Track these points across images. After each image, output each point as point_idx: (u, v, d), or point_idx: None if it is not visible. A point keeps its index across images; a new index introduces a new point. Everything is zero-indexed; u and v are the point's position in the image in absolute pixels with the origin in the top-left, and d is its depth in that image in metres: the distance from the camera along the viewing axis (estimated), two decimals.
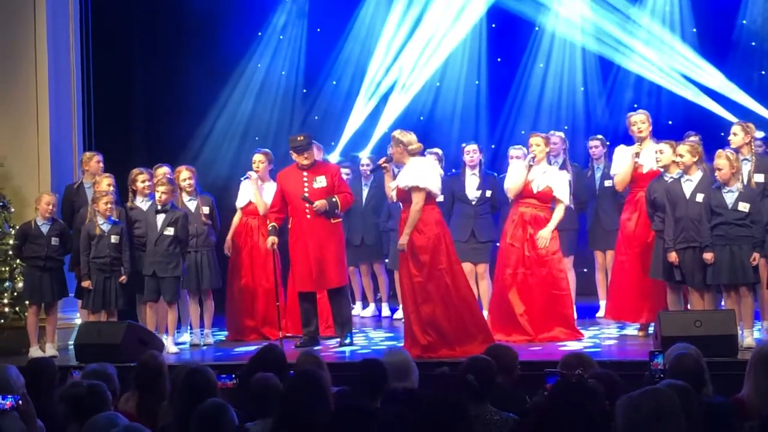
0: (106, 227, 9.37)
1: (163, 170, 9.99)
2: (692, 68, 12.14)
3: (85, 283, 9.36)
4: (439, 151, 10.40)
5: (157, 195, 9.46)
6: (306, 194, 9.26)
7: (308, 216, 9.30)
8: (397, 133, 8.69)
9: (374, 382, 5.41)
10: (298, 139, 9.42)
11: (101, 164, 9.95)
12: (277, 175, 9.65)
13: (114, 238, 9.36)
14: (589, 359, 5.73)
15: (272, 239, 9.44)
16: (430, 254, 8.40)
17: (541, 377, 5.51)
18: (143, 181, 9.76)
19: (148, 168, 10.02)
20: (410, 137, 8.62)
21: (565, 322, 9.11)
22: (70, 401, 4.94)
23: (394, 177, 8.79)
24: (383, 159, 8.85)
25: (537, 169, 9.18)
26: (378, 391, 5.37)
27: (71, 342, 9.34)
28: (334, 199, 9.29)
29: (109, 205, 9.33)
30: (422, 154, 8.88)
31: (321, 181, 9.33)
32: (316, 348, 9.03)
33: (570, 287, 9.42)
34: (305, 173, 9.36)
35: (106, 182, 9.63)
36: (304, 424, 4.42)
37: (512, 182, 9.24)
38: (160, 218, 9.46)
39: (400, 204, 8.75)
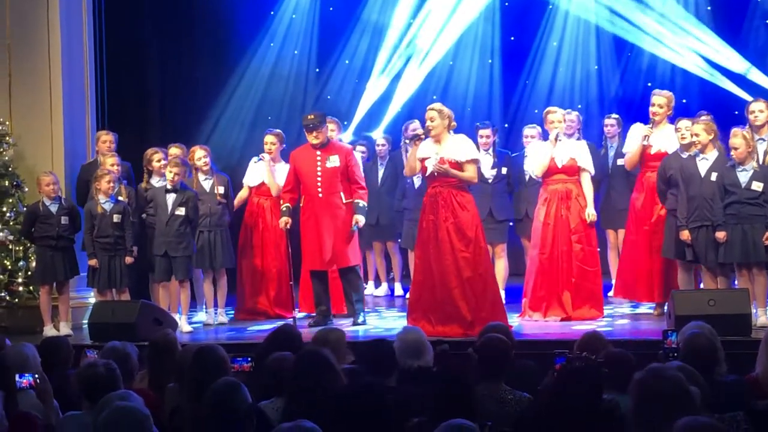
0: (108, 206, 9.36)
1: (175, 150, 10.00)
2: (706, 47, 12.06)
3: (91, 262, 9.39)
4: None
5: (169, 175, 9.46)
6: (354, 227, 9.25)
7: (320, 195, 9.30)
8: (439, 105, 8.65)
9: (381, 360, 5.41)
10: (309, 117, 9.41)
11: (109, 144, 9.92)
12: (290, 154, 9.64)
13: (116, 218, 9.35)
14: (603, 339, 5.73)
15: (285, 219, 9.43)
16: (474, 231, 8.42)
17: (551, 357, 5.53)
18: (159, 161, 9.79)
19: (163, 147, 10.01)
20: (450, 111, 8.61)
21: (594, 300, 9.09)
22: (85, 381, 4.95)
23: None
24: (421, 130, 8.75)
25: (557, 145, 9.14)
26: (389, 370, 5.37)
27: (85, 321, 9.35)
28: (361, 205, 9.32)
29: (110, 184, 9.32)
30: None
31: (334, 161, 9.32)
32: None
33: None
34: (318, 152, 9.35)
35: (110, 161, 9.62)
36: (313, 401, 4.41)
37: (537, 161, 9.21)
38: (171, 198, 9.46)
39: (422, 179, 8.62)
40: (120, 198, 9.52)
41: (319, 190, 9.30)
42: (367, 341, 5.87)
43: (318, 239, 9.27)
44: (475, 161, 8.56)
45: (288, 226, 9.47)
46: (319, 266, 9.34)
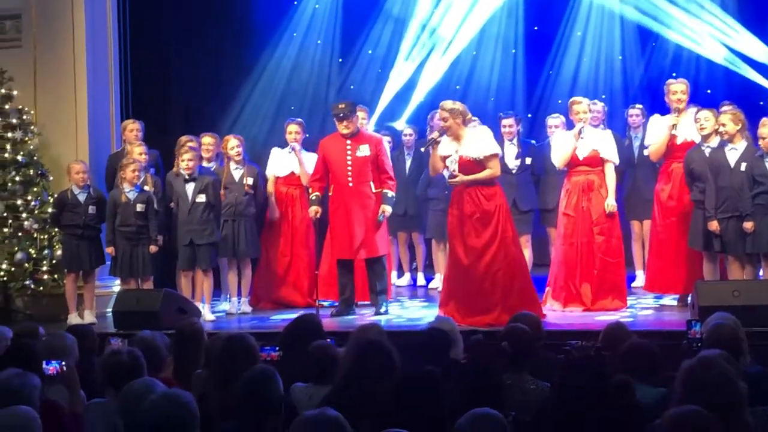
0: (132, 195, 9.40)
1: (208, 139, 10.06)
2: (732, 36, 11.97)
3: (109, 249, 9.44)
4: (477, 120, 10.35)
5: (183, 164, 9.49)
6: (381, 217, 9.25)
7: (350, 184, 9.30)
8: (450, 103, 8.61)
9: (437, 350, 5.40)
10: (340, 107, 9.41)
11: (136, 132, 9.96)
12: (319, 143, 9.64)
13: (140, 207, 9.39)
14: (627, 329, 5.72)
15: (315, 208, 9.45)
16: (502, 222, 8.42)
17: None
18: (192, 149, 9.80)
19: (195, 136, 10.05)
20: (462, 106, 8.61)
21: (617, 291, 9.08)
22: (109, 369, 4.99)
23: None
24: (436, 133, 8.72)
25: (579, 138, 9.10)
26: (441, 360, 5.34)
27: (109, 309, 9.42)
28: (389, 195, 9.32)
29: (135, 173, 9.35)
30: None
31: (364, 150, 9.32)
32: (350, 317, 9.06)
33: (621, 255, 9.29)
34: (348, 141, 9.35)
35: (137, 151, 9.67)
36: (368, 393, 4.44)
37: (560, 153, 9.17)
38: (190, 187, 9.50)
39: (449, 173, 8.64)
40: (146, 187, 9.55)
41: (350, 179, 9.31)
42: (419, 330, 5.86)
43: (348, 228, 9.28)
44: (495, 155, 8.54)
45: (318, 215, 9.49)
46: (348, 255, 9.35)
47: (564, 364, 4.56)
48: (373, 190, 9.35)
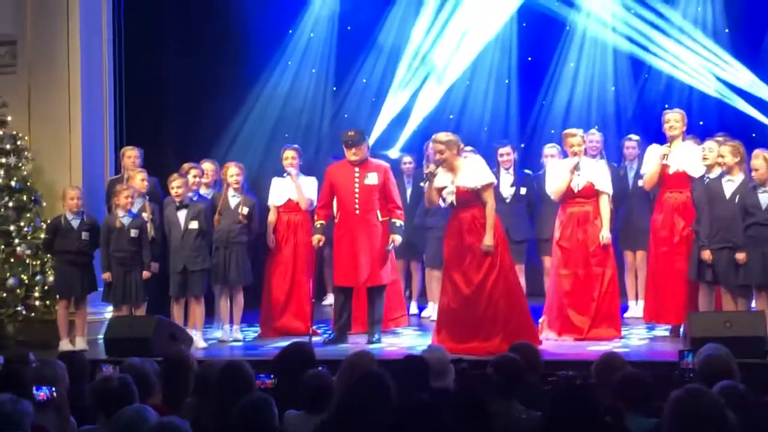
0: (126, 221, 9.41)
1: (208, 165, 10.11)
2: (724, 69, 12.04)
3: (105, 276, 9.42)
4: (471, 149, 10.37)
5: (172, 191, 9.51)
6: (390, 246, 9.29)
7: (357, 212, 9.31)
8: (444, 135, 8.64)
9: (414, 377, 5.40)
10: (349, 134, 9.44)
11: (134, 159, 9.99)
12: (326, 170, 9.65)
13: (133, 232, 9.39)
14: (621, 359, 5.71)
15: (318, 237, 9.48)
16: (499, 251, 8.45)
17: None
18: (195, 176, 9.84)
19: (196, 163, 10.08)
20: (457, 136, 8.65)
21: (612, 320, 9.10)
22: (100, 395, 4.96)
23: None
24: (433, 166, 8.71)
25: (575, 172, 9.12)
26: (421, 388, 5.34)
27: (101, 335, 9.41)
28: (398, 224, 9.34)
29: (128, 199, 9.36)
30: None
31: (372, 179, 9.34)
32: (342, 345, 9.04)
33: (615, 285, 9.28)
34: (356, 169, 9.37)
35: (139, 177, 9.70)
36: (362, 422, 4.43)
37: (555, 186, 9.21)
38: (182, 214, 9.51)
39: (450, 205, 8.66)
40: (144, 214, 9.56)
41: (356, 206, 9.32)
42: (399, 358, 5.85)
43: (353, 256, 9.28)
44: (491, 184, 8.57)
45: (321, 244, 9.52)
46: (350, 282, 9.35)
47: (553, 393, 4.55)
48: (380, 219, 9.35)
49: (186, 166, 9.96)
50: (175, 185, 9.49)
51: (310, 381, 5.12)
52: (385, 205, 9.38)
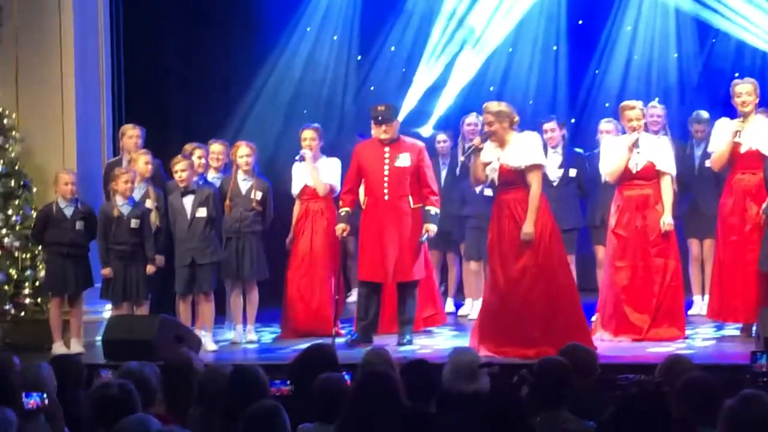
0: (125, 209, 9.42)
1: (217, 147, 10.12)
2: None
3: (105, 271, 9.45)
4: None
5: (176, 176, 9.52)
6: (424, 238, 9.28)
7: (386, 197, 9.31)
8: (495, 105, 8.63)
9: (420, 384, 5.42)
10: (379, 108, 9.42)
11: (136, 139, 10.02)
12: (354, 149, 9.65)
13: (134, 222, 9.40)
14: (688, 362, 5.68)
15: (342, 226, 9.48)
16: (546, 241, 8.41)
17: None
18: (200, 157, 9.88)
19: (201, 143, 10.12)
20: (508, 107, 8.59)
21: (674, 319, 9.07)
22: (98, 404, 4.98)
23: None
24: (478, 139, 8.71)
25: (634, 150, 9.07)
26: (429, 395, 5.38)
27: (99, 337, 9.42)
28: (432, 212, 9.33)
29: (128, 185, 9.37)
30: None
31: (404, 160, 9.32)
32: (368, 347, 9.03)
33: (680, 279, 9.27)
34: (387, 149, 9.36)
35: (142, 160, 9.73)
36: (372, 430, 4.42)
37: (611, 166, 9.17)
38: (188, 201, 9.52)
39: (493, 185, 8.66)
40: (148, 202, 9.60)
41: (386, 191, 9.31)
42: (406, 362, 5.88)
43: (380, 248, 9.28)
44: (539, 167, 8.52)
45: (345, 234, 9.52)
46: (377, 277, 9.35)
47: (620, 401, 4.51)
48: (412, 206, 9.35)
49: (189, 146, 9.98)
50: (179, 168, 9.50)
51: (321, 387, 5.11)
52: (418, 190, 9.37)
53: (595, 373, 5.91)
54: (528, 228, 8.35)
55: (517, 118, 8.62)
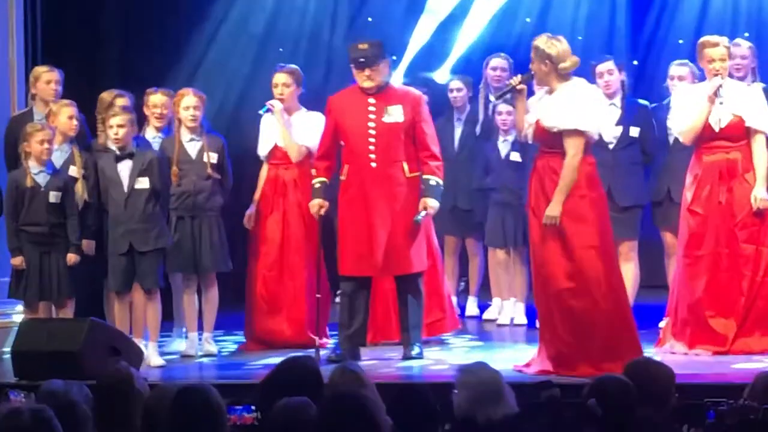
0: (42, 179, 9.41)
1: (159, 98, 10.09)
2: None
3: (15, 261, 9.45)
4: None
5: (111, 132, 9.47)
6: (419, 216, 9.31)
7: (373, 164, 9.33)
8: (542, 40, 8.62)
9: (413, 416, 5.44)
10: (360, 47, 9.43)
11: (54, 85, 9.99)
12: (327, 101, 9.66)
13: (53, 196, 9.40)
14: None
15: (319, 202, 9.52)
16: (592, 224, 8.49)
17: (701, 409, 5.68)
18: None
19: (127, 91, 10.09)
20: (561, 48, 8.56)
21: None
22: None
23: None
24: (519, 77, 8.75)
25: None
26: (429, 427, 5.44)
27: (7, 348, 9.45)
28: (432, 182, 9.34)
29: (45, 146, 9.34)
30: None
31: (395, 114, 9.36)
32: (359, 361, 9.03)
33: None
34: (371, 100, 9.39)
35: (65, 113, 9.69)
36: None
37: (686, 122, 9.18)
38: (125, 167, 9.49)
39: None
40: (73, 168, 9.60)
41: (372, 157, 9.34)
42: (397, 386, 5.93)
43: (366, 230, 9.30)
44: (578, 134, 8.47)
45: (323, 212, 9.53)
46: (365, 270, 9.38)
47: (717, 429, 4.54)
48: (407, 175, 9.37)
49: (107, 95, 9.89)
50: (116, 123, 9.44)
51: (279, 416, 5.09)
52: (415, 153, 9.40)
53: (672, 398, 5.89)
54: (551, 209, 8.42)
55: (566, 65, 8.56)
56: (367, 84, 9.37)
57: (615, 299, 8.55)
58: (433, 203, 9.36)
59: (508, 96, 8.95)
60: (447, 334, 10.25)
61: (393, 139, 9.35)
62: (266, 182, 10.22)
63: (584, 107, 8.56)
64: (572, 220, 8.42)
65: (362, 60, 9.33)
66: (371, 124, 9.35)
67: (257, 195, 10.22)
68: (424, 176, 9.37)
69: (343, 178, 9.49)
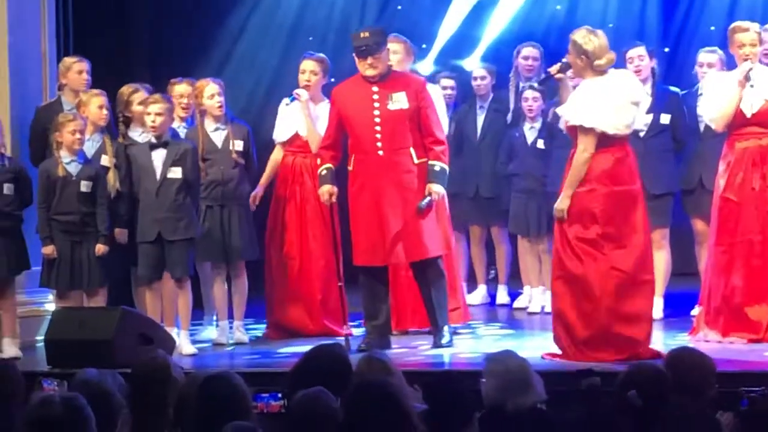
0: (73, 168, 9.43)
1: (183, 88, 10.13)
2: None
3: (47, 249, 9.45)
4: None
5: (149, 120, 9.45)
6: (424, 203, 9.26)
7: (380, 152, 9.30)
8: (579, 37, 8.54)
9: (447, 404, 5.46)
10: (362, 36, 9.40)
11: (86, 76, 10.01)
12: (332, 91, 9.66)
13: (85, 185, 9.42)
14: None
15: (328, 188, 9.48)
16: (626, 215, 8.44)
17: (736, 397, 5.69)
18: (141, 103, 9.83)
19: (148, 85, 10.13)
20: (598, 43, 8.47)
21: None
22: (36, 425, 4.93)
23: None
24: (556, 67, 8.71)
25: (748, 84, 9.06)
26: (463, 417, 5.44)
27: (40, 337, 9.47)
28: (437, 168, 9.29)
29: (76, 136, 9.36)
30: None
31: (399, 101, 9.31)
32: (387, 350, 9.01)
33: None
34: (375, 88, 9.35)
35: (95, 103, 9.71)
36: None
37: (718, 108, 9.13)
38: (159, 156, 9.49)
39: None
40: (104, 158, 9.61)
41: (379, 145, 9.31)
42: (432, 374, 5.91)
43: (377, 219, 9.27)
44: (585, 129, 8.37)
45: (334, 199, 9.52)
46: (378, 260, 9.35)
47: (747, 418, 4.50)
48: (416, 161, 9.34)
49: (127, 89, 9.93)
50: (154, 110, 9.42)
51: (299, 408, 5.07)
52: (421, 140, 9.38)
53: (711, 388, 5.85)
54: (559, 202, 8.42)
55: (602, 62, 8.45)
56: (369, 72, 9.34)
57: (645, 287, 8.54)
58: (438, 188, 9.32)
59: (547, 81, 8.96)
60: (478, 321, 10.22)
61: (399, 126, 9.32)
62: (282, 168, 10.24)
63: (597, 103, 8.45)
64: (573, 215, 8.42)
65: (364, 48, 9.31)
66: (376, 113, 9.32)
67: (264, 179, 10.24)
68: (430, 162, 9.34)
69: (350, 168, 9.48)
